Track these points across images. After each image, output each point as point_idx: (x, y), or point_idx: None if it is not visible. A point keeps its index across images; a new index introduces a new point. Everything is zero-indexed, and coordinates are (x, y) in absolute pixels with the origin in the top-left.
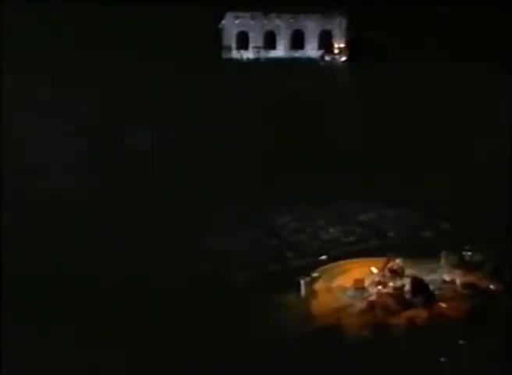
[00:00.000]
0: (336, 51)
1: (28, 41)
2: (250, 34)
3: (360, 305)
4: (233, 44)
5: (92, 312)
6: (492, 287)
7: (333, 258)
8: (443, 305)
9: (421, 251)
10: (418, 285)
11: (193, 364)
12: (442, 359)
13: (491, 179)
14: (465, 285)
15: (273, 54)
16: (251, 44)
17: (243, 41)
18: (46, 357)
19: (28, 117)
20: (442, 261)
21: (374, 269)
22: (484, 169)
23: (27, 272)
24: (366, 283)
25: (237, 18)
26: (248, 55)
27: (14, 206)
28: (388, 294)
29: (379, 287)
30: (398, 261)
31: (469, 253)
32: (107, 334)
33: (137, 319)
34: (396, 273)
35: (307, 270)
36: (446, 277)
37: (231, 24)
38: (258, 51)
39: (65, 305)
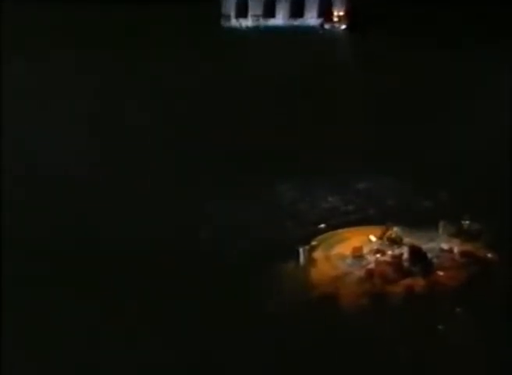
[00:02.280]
0: (336, 19)
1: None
2: (250, 2)
3: (359, 273)
4: (232, 13)
5: (88, 280)
6: (489, 255)
7: (332, 227)
8: (441, 273)
9: (420, 220)
10: (416, 253)
11: (190, 332)
12: (440, 327)
13: (490, 149)
14: (463, 254)
15: (272, 22)
16: (250, 13)
17: (242, 10)
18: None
19: (28, 98)
20: (441, 230)
21: (372, 238)
22: (483, 138)
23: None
24: (364, 252)
25: None
26: (247, 23)
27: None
28: (386, 262)
29: (378, 256)
30: (396, 229)
31: (467, 222)
32: (103, 300)
33: (136, 285)
34: (395, 242)
35: (306, 239)
36: (444, 246)
37: None
38: (257, 20)
39: (66, 270)
